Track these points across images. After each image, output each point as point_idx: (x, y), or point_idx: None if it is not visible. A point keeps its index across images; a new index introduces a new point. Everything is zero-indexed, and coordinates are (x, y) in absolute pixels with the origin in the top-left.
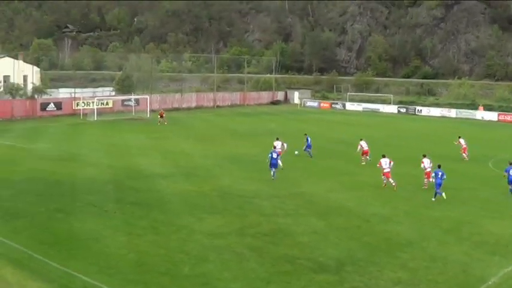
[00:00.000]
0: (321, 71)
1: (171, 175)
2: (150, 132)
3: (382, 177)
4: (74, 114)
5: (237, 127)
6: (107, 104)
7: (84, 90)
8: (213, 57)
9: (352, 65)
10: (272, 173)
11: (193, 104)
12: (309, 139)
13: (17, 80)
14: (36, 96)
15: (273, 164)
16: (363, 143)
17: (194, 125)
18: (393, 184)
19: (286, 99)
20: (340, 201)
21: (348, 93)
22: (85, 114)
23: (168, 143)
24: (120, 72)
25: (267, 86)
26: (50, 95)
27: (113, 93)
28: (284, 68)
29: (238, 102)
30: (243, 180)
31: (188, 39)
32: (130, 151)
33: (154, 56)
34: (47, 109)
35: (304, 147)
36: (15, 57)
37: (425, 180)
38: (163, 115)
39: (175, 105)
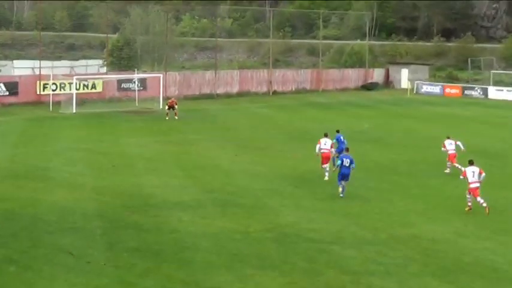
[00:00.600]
0: (447, 34)
1: (197, 205)
2: (163, 134)
3: (467, 195)
4: (39, 102)
5: (306, 127)
6: (94, 87)
7: (56, 63)
8: (267, 12)
9: (501, 25)
10: (341, 188)
11: (235, 89)
12: (341, 138)
13: None
14: None
15: (344, 175)
16: (448, 143)
17: (236, 122)
18: (483, 205)
19: (388, 82)
20: (478, 252)
21: (493, 72)
22: (57, 103)
23: (193, 152)
24: (116, 36)
25: (355, 60)
26: None
27: (103, 69)
28: (384, 29)
29: (308, 86)
30: (314, 215)
31: None
32: (132, 164)
33: (170, 8)
34: None
35: (335, 149)
36: None
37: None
38: (175, 105)
39: (206, 89)
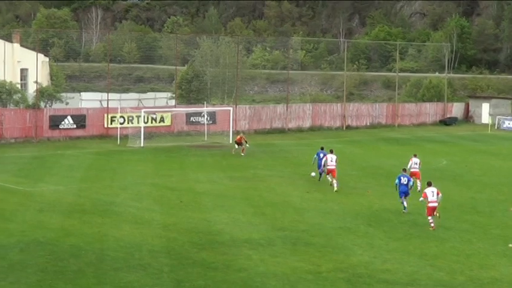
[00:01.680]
0: None
1: (266, 243)
2: (232, 169)
3: (428, 217)
4: (106, 135)
5: (381, 163)
6: (162, 120)
7: (124, 96)
8: (341, 43)
9: None
10: (404, 205)
11: (307, 123)
12: (322, 154)
13: (9, 76)
14: (42, 104)
15: (404, 192)
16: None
17: (308, 158)
18: (431, 225)
19: (468, 116)
20: None
21: None
22: (124, 137)
23: (264, 189)
24: (185, 68)
25: (433, 94)
26: (66, 104)
27: (172, 102)
28: (464, 61)
29: (383, 121)
30: (389, 255)
31: (299, 12)
32: (200, 200)
33: (241, 40)
34: (60, 126)
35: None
36: (8, 39)
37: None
38: (244, 141)
39: (277, 123)
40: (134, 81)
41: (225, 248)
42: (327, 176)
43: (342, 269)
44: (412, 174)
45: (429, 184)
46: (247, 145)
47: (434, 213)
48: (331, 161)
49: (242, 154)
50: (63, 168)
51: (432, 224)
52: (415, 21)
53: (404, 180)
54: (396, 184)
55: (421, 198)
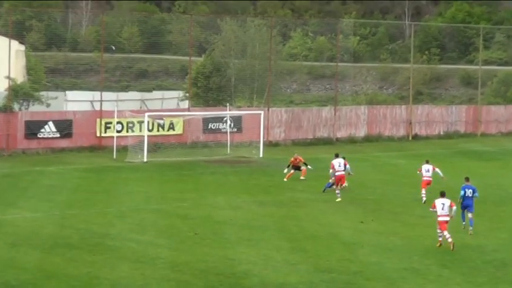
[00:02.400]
0: None
1: (309, 287)
2: (263, 192)
3: (438, 230)
4: (99, 147)
5: (459, 183)
6: (172, 127)
7: (123, 96)
8: (406, 27)
9: None
10: (464, 222)
11: (362, 131)
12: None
13: None
14: (16, 106)
15: (467, 206)
16: (426, 168)
17: (362, 177)
18: (449, 240)
19: None
20: None
21: None
22: (123, 149)
23: (304, 217)
24: (202, 58)
25: None
26: (47, 105)
27: (185, 103)
28: None
29: (462, 129)
30: None
31: None
32: (220, 232)
33: (276, 23)
34: (39, 135)
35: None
36: None
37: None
38: (301, 163)
39: (322, 132)
40: (136, 76)
41: None
42: (336, 188)
43: None
44: (425, 184)
45: (442, 195)
46: (309, 166)
47: (444, 229)
48: (339, 165)
49: (302, 178)
50: (42, 190)
51: (440, 239)
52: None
53: (469, 192)
54: (461, 197)
55: (431, 209)
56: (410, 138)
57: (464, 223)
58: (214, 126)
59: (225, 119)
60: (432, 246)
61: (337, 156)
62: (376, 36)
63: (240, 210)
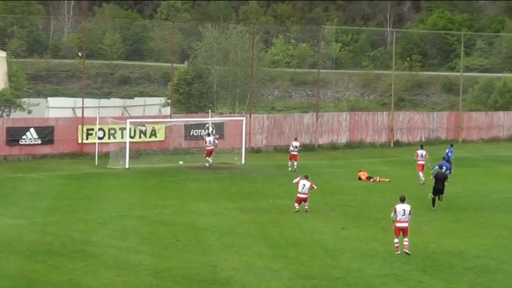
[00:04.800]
0: None
1: None
2: (245, 198)
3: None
4: (81, 154)
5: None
6: (154, 134)
7: (104, 102)
8: (388, 34)
9: None
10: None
11: (343, 138)
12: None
13: None
14: None
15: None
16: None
17: (344, 184)
18: (405, 244)
19: None
20: None
21: None
22: (104, 155)
23: (286, 224)
24: (184, 65)
25: (509, 100)
26: (29, 112)
27: (167, 109)
28: None
29: (443, 135)
30: None
31: None
32: (203, 238)
33: (258, 29)
34: (20, 142)
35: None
36: None
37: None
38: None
39: (304, 138)
40: (118, 82)
41: None
42: (296, 205)
43: None
44: (421, 167)
45: (402, 200)
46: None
47: (406, 235)
48: (303, 188)
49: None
50: (24, 197)
51: (397, 245)
52: (486, 5)
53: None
54: (434, 171)
55: (392, 214)
56: (392, 144)
57: (434, 208)
58: (196, 132)
59: (207, 125)
60: (413, 253)
61: (306, 177)
62: (358, 43)
63: (222, 216)
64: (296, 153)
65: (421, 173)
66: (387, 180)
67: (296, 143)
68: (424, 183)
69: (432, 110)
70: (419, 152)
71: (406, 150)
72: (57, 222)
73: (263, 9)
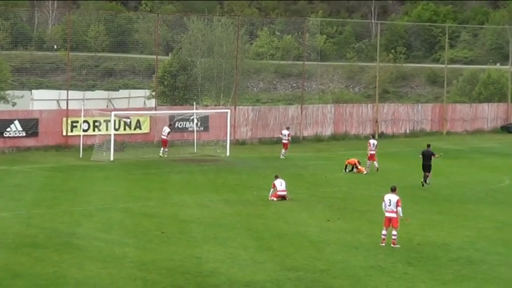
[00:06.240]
0: None
1: (275, 286)
2: (230, 191)
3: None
4: (65, 146)
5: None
6: (138, 126)
7: (89, 94)
8: (372, 26)
9: None
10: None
11: (328, 130)
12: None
13: None
14: None
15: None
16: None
17: (329, 176)
18: (393, 238)
19: None
20: None
21: None
22: (89, 148)
23: (270, 216)
24: (168, 57)
25: (493, 91)
26: (13, 104)
27: (152, 102)
28: None
29: (427, 127)
30: None
31: None
32: (187, 231)
33: (243, 22)
34: (4, 134)
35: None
36: None
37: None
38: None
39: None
40: (102, 75)
41: None
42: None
43: None
44: (370, 158)
45: (392, 190)
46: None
47: (395, 226)
48: (281, 185)
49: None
50: (8, 189)
51: (383, 237)
52: None
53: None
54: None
55: (383, 204)
56: (376, 136)
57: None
58: (181, 125)
59: (191, 117)
60: (399, 244)
61: (277, 177)
62: (342, 35)
63: (206, 208)
64: (285, 141)
65: (372, 162)
66: (364, 171)
67: (285, 132)
68: (366, 172)
69: (417, 102)
70: (371, 141)
71: (390, 142)
72: (42, 215)
73: (247, 2)
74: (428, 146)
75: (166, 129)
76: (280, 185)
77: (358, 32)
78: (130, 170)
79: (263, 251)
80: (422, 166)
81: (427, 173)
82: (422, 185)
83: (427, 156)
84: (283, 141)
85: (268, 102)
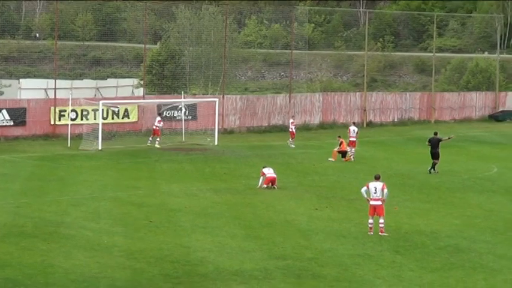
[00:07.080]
0: None
1: (263, 275)
2: (218, 179)
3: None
4: (53, 135)
5: (412, 171)
6: (126, 115)
7: (77, 83)
8: (361, 14)
9: None
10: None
11: (316, 119)
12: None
13: None
14: None
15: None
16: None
17: (317, 164)
18: (380, 226)
19: None
20: None
21: None
22: (77, 137)
23: (259, 204)
24: (157, 46)
25: (481, 80)
26: (1, 93)
27: (140, 91)
28: None
29: (416, 116)
30: None
31: None
32: (176, 220)
33: (231, 10)
34: None
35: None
36: None
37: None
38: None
39: (276, 119)
40: (90, 63)
41: (208, 282)
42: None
43: None
44: (350, 144)
45: (377, 178)
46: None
47: (381, 215)
48: (268, 171)
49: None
50: None
51: (370, 226)
52: None
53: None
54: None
55: (364, 189)
56: (364, 125)
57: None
58: (169, 113)
59: (179, 106)
60: (387, 232)
61: (264, 167)
62: (330, 23)
63: (195, 197)
64: (291, 129)
65: (350, 148)
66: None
67: (291, 120)
68: (353, 159)
69: (405, 91)
70: (352, 128)
71: (378, 131)
72: (30, 204)
73: None
74: (435, 133)
75: (158, 119)
76: (268, 171)
77: (346, 20)
78: (118, 159)
79: (251, 240)
80: (431, 154)
81: (435, 161)
82: (429, 172)
83: (434, 144)
84: (290, 130)
85: (256, 91)
